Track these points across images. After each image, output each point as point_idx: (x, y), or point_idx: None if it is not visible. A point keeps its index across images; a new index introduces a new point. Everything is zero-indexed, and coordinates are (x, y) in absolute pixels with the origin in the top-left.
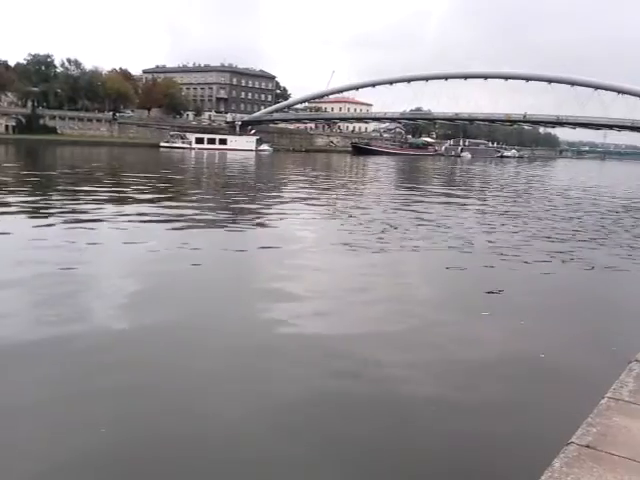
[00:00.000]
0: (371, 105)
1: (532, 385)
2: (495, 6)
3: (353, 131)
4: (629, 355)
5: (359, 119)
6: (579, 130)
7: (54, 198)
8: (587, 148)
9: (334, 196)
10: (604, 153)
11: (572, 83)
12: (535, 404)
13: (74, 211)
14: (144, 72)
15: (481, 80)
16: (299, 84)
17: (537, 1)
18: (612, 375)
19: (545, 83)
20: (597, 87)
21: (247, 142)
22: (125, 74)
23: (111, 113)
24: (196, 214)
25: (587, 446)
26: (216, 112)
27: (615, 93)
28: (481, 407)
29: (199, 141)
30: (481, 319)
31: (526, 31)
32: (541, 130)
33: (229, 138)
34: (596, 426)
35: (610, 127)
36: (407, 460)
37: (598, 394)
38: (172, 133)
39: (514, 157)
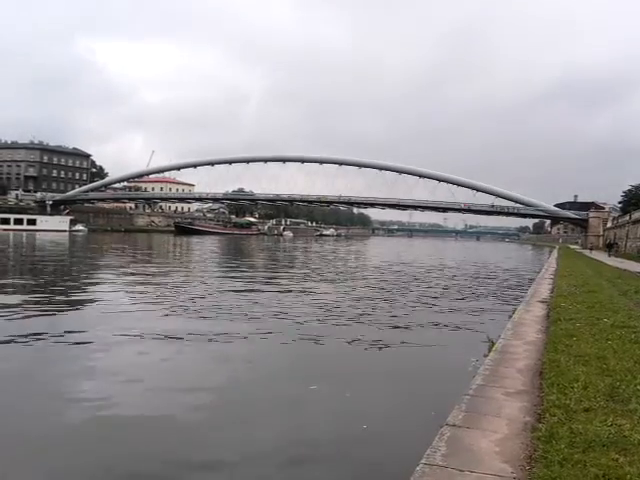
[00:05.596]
0: (193, 185)
1: (355, 458)
2: (304, 95)
3: (176, 211)
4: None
5: (181, 199)
6: (388, 210)
7: None
8: (396, 227)
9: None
10: (411, 231)
11: (380, 168)
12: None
13: None
14: None
15: (298, 163)
16: (117, 164)
17: (343, 94)
18: (430, 440)
19: (356, 167)
20: (401, 172)
21: (59, 222)
22: None
23: None
24: None
25: None
26: (24, 191)
27: (417, 177)
28: None
29: (4, 221)
30: (309, 392)
31: (335, 118)
32: (355, 210)
33: (39, 218)
34: None
35: (415, 207)
36: None
37: (417, 460)
38: None
39: (332, 235)
